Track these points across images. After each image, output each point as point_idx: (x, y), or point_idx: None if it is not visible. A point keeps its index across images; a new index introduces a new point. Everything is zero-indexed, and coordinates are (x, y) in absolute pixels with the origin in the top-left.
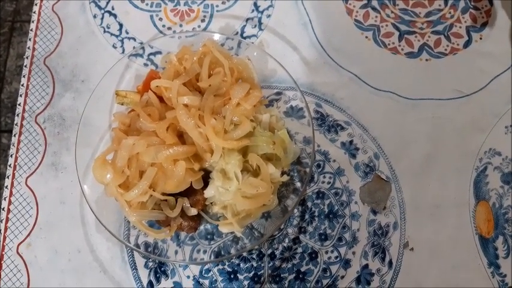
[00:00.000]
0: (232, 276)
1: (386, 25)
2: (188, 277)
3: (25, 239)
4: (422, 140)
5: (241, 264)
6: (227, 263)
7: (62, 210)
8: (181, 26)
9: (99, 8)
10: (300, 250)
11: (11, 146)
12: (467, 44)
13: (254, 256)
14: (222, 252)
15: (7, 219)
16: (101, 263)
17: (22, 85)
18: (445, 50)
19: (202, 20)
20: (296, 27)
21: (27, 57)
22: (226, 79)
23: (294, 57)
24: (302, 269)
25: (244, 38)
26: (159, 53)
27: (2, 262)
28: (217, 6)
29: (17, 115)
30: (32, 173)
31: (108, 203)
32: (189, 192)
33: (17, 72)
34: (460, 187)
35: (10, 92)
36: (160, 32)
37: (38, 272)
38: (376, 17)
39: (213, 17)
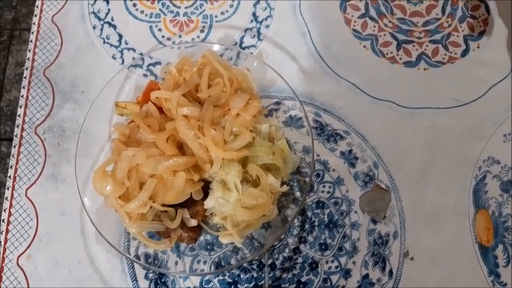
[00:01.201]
0: (232, 287)
1: (384, 34)
2: None
3: (25, 250)
4: (421, 148)
5: (241, 275)
6: (227, 274)
7: (62, 221)
8: (180, 36)
9: (99, 18)
10: (300, 260)
11: (11, 157)
12: (465, 53)
13: (254, 267)
14: (222, 263)
15: (7, 231)
16: (101, 274)
17: (22, 96)
18: (443, 59)
19: (202, 31)
20: (295, 37)
21: (26, 68)
22: (226, 90)
23: (293, 67)
24: (302, 279)
25: (243, 48)
26: (159, 63)
27: (2, 274)
28: (216, 16)
29: (17, 126)
30: (31, 184)
31: (108, 215)
32: (189, 203)
33: (16, 81)
34: (460, 195)
35: (9, 100)
36: (160, 42)
37: (38, 283)
38: (374, 26)
39: (212, 28)
